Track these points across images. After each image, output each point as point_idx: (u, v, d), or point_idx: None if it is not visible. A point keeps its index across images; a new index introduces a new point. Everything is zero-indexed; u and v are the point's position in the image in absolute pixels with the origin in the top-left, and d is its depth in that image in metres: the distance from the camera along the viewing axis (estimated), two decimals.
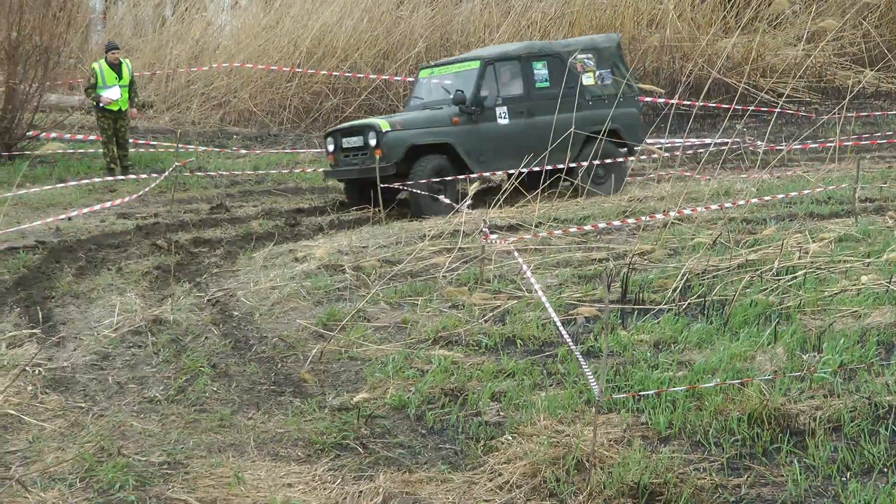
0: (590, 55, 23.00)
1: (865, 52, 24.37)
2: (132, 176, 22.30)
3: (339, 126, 23.29)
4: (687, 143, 20.66)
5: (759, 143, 19.82)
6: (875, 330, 11.87)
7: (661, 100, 23.14)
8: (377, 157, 21.11)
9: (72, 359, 13.93)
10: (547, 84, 22.73)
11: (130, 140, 23.69)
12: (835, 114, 19.16)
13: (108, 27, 31.94)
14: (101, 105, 23.05)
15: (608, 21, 26.72)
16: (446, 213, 19.42)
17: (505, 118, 22.40)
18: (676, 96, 22.20)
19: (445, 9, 28.69)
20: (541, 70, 22.83)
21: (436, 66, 23.74)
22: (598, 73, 22.86)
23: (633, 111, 22.91)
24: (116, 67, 22.93)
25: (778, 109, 21.14)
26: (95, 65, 23.04)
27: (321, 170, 24.80)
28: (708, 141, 20.31)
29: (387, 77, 26.41)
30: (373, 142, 21.39)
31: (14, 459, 11.55)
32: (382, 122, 21.71)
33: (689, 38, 25.71)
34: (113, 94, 22.91)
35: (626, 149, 22.43)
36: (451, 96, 22.30)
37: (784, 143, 20.65)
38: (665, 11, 26.65)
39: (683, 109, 22.54)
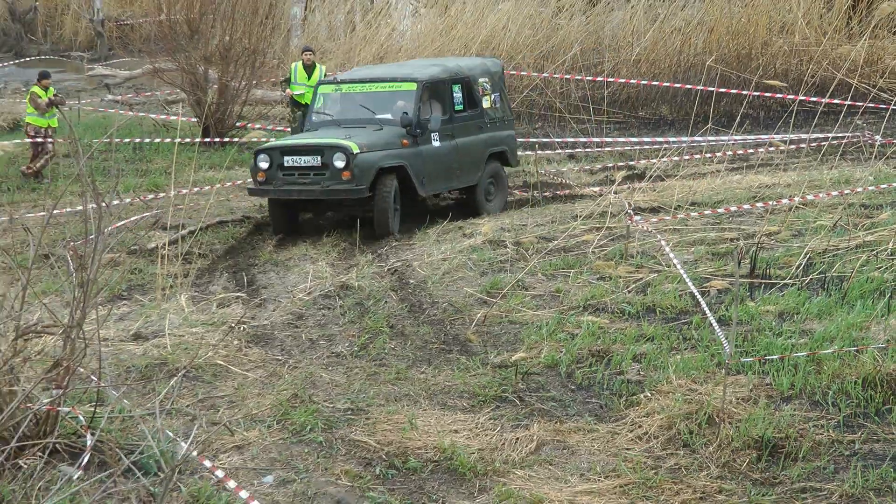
0: (486, 78, 20.74)
1: None
2: None
3: (279, 144, 19.38)
4: (812, 137, 20.33)
5: (876, 136, 19.41)
6: None
7: (791, 97, 22.66)
8: (345, 178, 18.11)
9: (271, 318, 14.10)
10: (462, 107, 20.16)
11: None
12: None
13: (306, 32, 32.19)
14: (291, 97, 23.53)
15: (743, 28, 26.33)
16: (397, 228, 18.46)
17: (437, 140, 19.50)
18: (801, 93, 21.90)
19: (598, 17, 28.46)
20: (457, 93, 20.16)
21: (345, 82, 20.36)
22: (492, 96, 20.71)
23: (513, 134, 21.34)
24: (310, 69, 23.13)
25: (893, 106, 20.81)
26: (294, 64, 23.38)
27: (247, 186, 20.13)
28: (829, 134, 20.00)
29: (546, 75, 26.21)
30: (340, 163, 18.16)
31: (222, 403, 11.73)
32: (352, 144, 18.31)
33: (815, 43, 25.26)
34: (297, 92, 23.30)
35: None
36: (391, 117, 19.34)
37: None
38: (794, 19, 26.17)
39: (808, 107, 22.14)
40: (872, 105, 20.98)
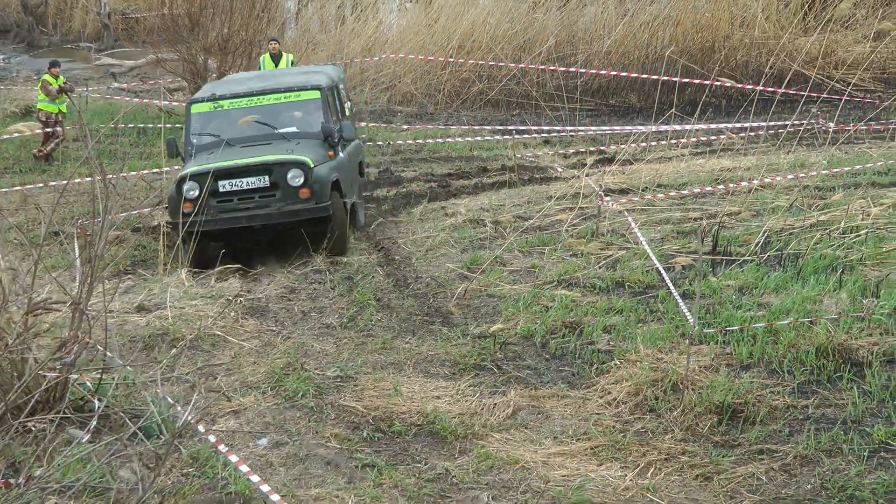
0: (342, 85, 18.53)
1: None
2: None
3: (206, 168, 15.23)
4: (770, 124, 20.34)
5: (830, 123, 19.44)
6: None
7: (750, 87, 22.64)
8: (303, 197, 15.27)
9: (266, 291, 14.12)
10: (338, 115, 17.34)
11: None
12: (895, 100, 18.79)
13: (299, 24, 32.09)
14: None
15: (707, 22, 26.30)
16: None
17: (341, 151, 16.78)
18: (761, 84, 21.89)
19: (572, 11, 28.40)
20: (336, 101, 17.47)
21: (225, 98, 16.75)
22: (348, 103, 18.51)
23: (360, 144, 18.77)
24: (276, 58, 22.36)
25: (846, 97, 20.84)
26: (262, 56, 22.77)
27: (165, 221, 16.49)
28: (786, 122, 20.02)
29: (523, 66, 26.17)
30: (298, 181, 15.21)
31: (220, 370, 11.75)
32: (306, 158, 15.45)
33: (774, 37, 25.26)
34: None
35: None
36: (296, 129, 16.50)
37: (851, 124, 20.26)
38: (754, 14, 26.16)
39: (767, 96, 22.13)
40: (827, 95, 21.01)
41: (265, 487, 9.15)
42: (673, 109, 20.32)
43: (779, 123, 20.23)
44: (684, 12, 26.52)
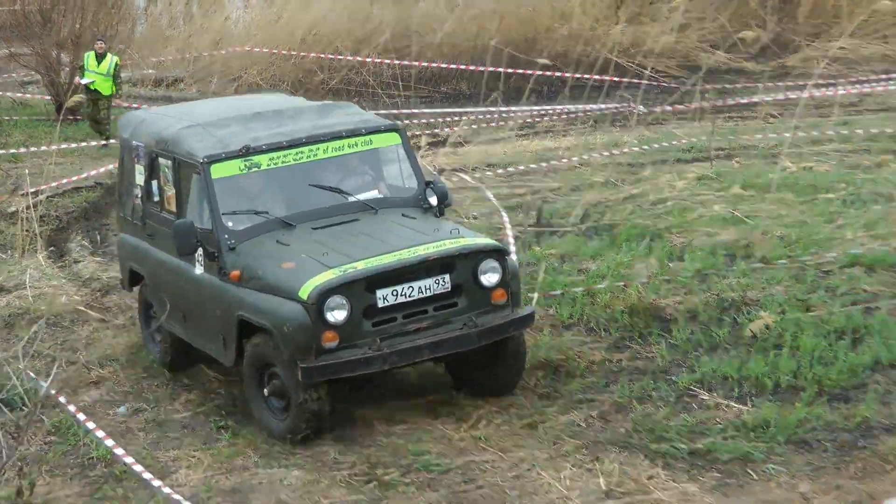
0: None
1: (721, 39, 24.42)
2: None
3: (354, 273, 8.96)
4: (587, 107, 20.70)
5: (639, 106, 19.86)
6: (723, 245, 12.00)
7: (569, 74, 22.96)
8: (499, 301, 9.39)
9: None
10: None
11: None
12: (696, 85, 19.26)
13: (148, 21, 31.64)
14: (83, 84, 20.87)
15: (529, 16, 26.58)
16: None
17: None
18: (578, 72, 22.29)
19: (406, 7, 28.47)
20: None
21: (260, 152, 9.85)
22: None
23: None
24: (100, 57, 20.65)
25: (653, 83, 21.34)
26: (86, 53, 21.16)
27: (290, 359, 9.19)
28: (601, 105, 20.40)
29: (360, 59, 26.18)
30: (494, 278, 9.34)
31: (80, 345, 11.66)
32: (496, 243, 9.80)
33: (589, 28, 25.67)
34: (87, 80, 20.66)
35: None
36: (378, 194, 10.19)
37: (658, 107, 20.74)
38: (572, 8, 26.54)
39: (584, 82, 22.50)
40: (636, 81, 21.41)
41: (119, 451, 9.17)
42: (500, 96, 20.51)
43: (595, 107, 20.60)
44: (508, 6, 26.79)
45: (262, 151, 9.85)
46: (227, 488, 8.87)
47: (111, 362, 11.23)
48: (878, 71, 22.02)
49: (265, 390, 9.38)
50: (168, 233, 10.13)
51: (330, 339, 8.87)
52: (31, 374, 10.18)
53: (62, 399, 10.02)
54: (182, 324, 10.36)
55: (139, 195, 10.90)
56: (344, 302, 8.86)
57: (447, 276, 9.19)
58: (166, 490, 8.57)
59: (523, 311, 9.53)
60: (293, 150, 9.93)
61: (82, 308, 12.56)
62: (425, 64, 25.93)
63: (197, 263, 9.87)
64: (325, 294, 8.79)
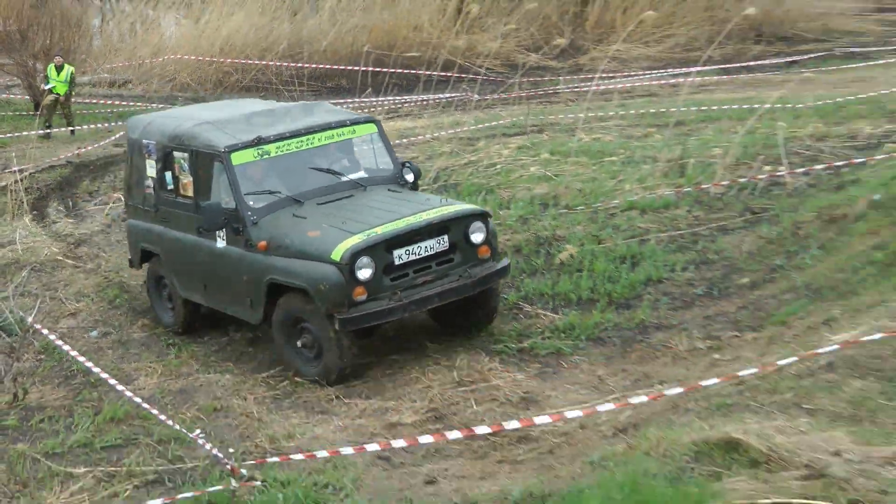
0: None
1: (532, 44, 24.51)
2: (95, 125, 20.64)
3: (374, 237, 8.42)
4: (437, 96, 20.58)
5: (475, 95, 19.84)
6: (538, 197, 12.05)
7: (422, 72, 22.80)
8: (483, 256, 8.95)
9: (90, 229, 13.55)
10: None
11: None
12: (516, 79, 19.31)
13: (102, 36, 30.53)
14: (48, 89, 19.52)
15: (391, 27, 26.36)
16: None
17: None
18: (430, 69, 22.20)
19: (299, 22, 28.00)
20: None
21: (268, 142, 9.26)
22: None
23: None
24: (59, 68, 19.46)
25: (485, 77, 21.33)
26: (49, 65, 19.78)
27: (339, 318, 8.37)
28: (447, 95, 20.32)
29: (265, 62, 25.67)
30: (480, 237, 8.92)
31: (59, 286, 11.32)
32: (481, 208, 9.61)
33: (437, 36, 25.56)
34: (50, 86, 19.43)
35: None
36: (364, 175, 9.67)
37: (489, 95, 20.76)
38: (423, 21, 26.39)
39: (433, 77, 22.36)
40: (473, 76, 21.37)
41: (90, 364, 8.98)
42: (369, 88, 20.36)
43: (442, 96, 20.51)
44: (375, 22, 26.58)
45: (270, 141, 9.21)
46: (175, 389, 8.74)
47: (84, 298, 10.92)
48: (644, 67, 22.32)
49: (298, 342, 8.65)
50: (183, 214, 9.54)
51: (359, 294, 8.32)
52: (20, 312, 9.81)
53: (44, 331, 9.70)
54: (202, 292, 9.50)
55: (151, 186, 9.99)
56: (370, 261, 8.33)
57: (445, 237, 8.73)
58: (129, 393, 8.40)
59: (502, 263, 9.03)
60: (295, 140, 9.32)
61: (60, 257, 12.17)
62: (314, 66, 25.62)
63: (219, 238, 9.12)
64: (355, 255, 8.26)
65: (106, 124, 19.95)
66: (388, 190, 9.43)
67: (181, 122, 9.88)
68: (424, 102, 20.58)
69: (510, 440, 7.20)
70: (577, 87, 20.48)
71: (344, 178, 9.36)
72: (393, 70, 22.76)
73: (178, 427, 7.68)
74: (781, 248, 9.56)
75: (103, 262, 12.12)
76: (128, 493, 6.88)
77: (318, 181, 9.27)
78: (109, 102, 22.65)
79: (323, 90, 25.54)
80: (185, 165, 9.52)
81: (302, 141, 9.37)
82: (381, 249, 8.41)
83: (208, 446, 7.20)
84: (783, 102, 13.96)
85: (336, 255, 8.29)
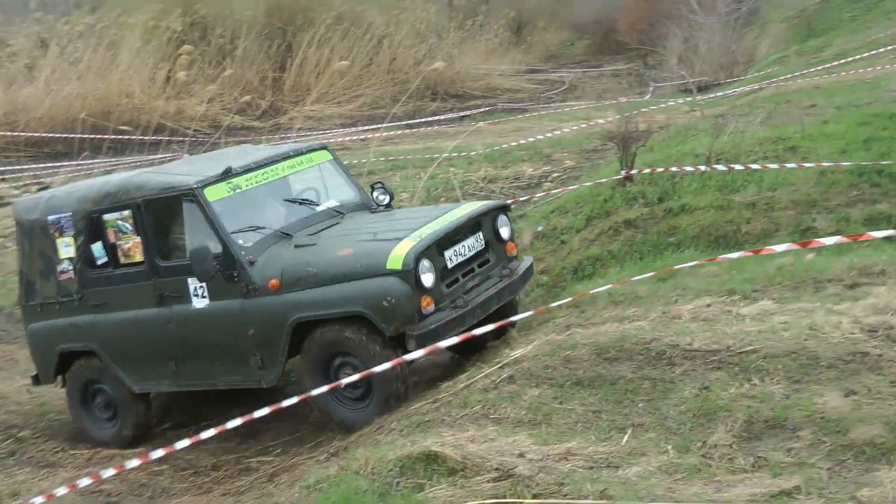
0: None
1: (235, 106, 24.08)
2: None
3: (424, 239, 6.54)
4: (148, 158, 19.61)
5: (187, 155, 19.06)
6: None
7: (136, 137, 21.71)
8: (511, 254, 7.45)
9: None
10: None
11: None
12: (220, 139, 18.79)
13: None
14: None
15: (104, 94, 24.82)
16: None
17: None
18: (143, 133, 21.18)
19: (14, 91, 25.89)
20: None
21: (237, 174, 7.21)
22: None
23: None
24: None
25: (194, 138, 20.66)
26: None
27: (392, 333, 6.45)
28: (158, 156, 19.41)
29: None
30: (508, 231, 7.37)
31: None
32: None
33: (149, 101, 24.45)
34: None
35: None
36: (336, 203, 7.66)
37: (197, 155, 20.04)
38: (134, 87, 25.15)
39: (146, 140, 21.33)
40: (182, 137, 20.63)
41: None
42: (86, 152, 19.11)
43: (153, 157, 19.58)
44: (89, 90, 25.10)
45: (240, 173, 7.15)
46: None
47: None
48: (336, 125, 22.48)
49: (340, 381, 6.31)
50: (131, 287, 7.22)
51: (428, 304, 6.37)
52: None
53: None
54: (172, 373, 7.21)
55: (70, 269, 7.61)
56: (430, 265, 6.43)
57: (480, 234, 6.98)
58: None
59: (526, 261, 7.42)
60: (261, 171, 7.28)
61: None
62: (31, 134, 23.85)
63: (195, 298, 6.91)
64: (418, 258, 6.33)
65: None
66: (371, 212, 7.59)
67: (106, 182, 7.66)
68: (137, 164, 19.58)
69: (231, 473, 6.84)
70: (277, 144, 20.23)
71: (320, 208, 7.46)
72: (107, 136, 21.59)
73: None
74: None
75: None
76: None
77: (296, 213, 7.33)
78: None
79: (40, 155, 23.77)
80: (127, 226, 7.26)
81: (267, 172, 7.37)
82: (434, 251, 6.55)
83: None
84: (458, 150, 14.39)
85: (394, 262, 6.35)
